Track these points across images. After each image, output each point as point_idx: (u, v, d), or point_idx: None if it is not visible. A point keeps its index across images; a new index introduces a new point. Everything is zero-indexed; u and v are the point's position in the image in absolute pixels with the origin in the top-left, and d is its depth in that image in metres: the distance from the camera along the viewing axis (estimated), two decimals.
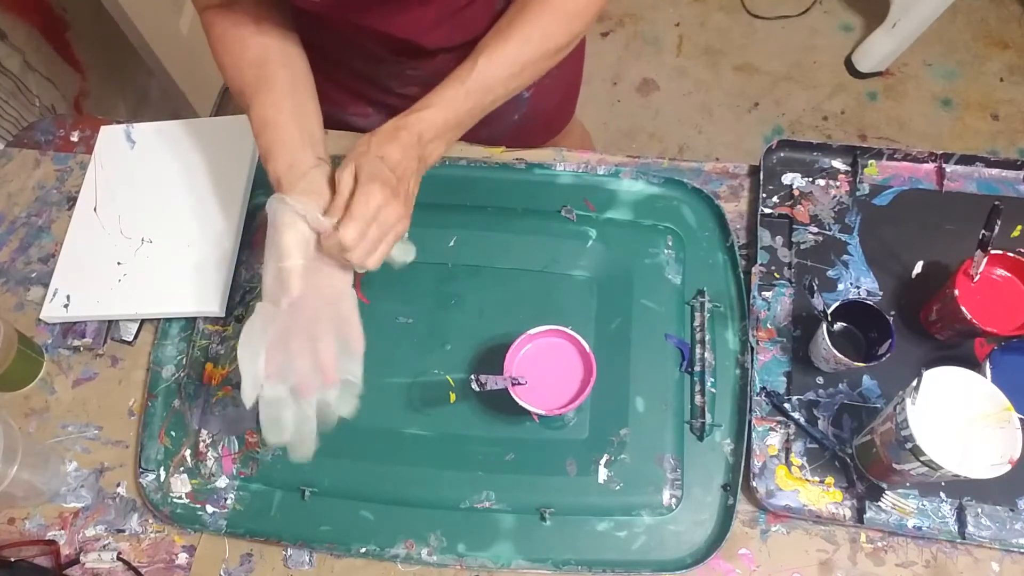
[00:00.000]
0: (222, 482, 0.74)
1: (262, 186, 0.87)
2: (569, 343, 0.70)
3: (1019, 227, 0.81)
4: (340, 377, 0.62)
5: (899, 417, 0.62)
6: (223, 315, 0.80)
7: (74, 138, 0.94)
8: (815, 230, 0.82)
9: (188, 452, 0.76)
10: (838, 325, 0.75)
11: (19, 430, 0.70)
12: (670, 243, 0.81)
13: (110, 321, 0.82)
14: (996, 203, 0.70)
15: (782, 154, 0.86)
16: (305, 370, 0.61)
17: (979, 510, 0.70)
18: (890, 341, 0.69)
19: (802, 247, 0.81)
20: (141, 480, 0.75)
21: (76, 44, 1.36)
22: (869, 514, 0.70)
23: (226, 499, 0.74)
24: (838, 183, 0.85)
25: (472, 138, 0.89)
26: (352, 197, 0.60)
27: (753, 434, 0.73)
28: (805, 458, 0.73)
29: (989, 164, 0.84)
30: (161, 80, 1.64)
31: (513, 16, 0.69)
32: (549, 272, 0.80)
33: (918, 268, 0.80)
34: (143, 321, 0.83)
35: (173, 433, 0.77)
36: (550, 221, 0.83)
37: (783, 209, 0.83)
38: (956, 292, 0.70)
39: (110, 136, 0.91)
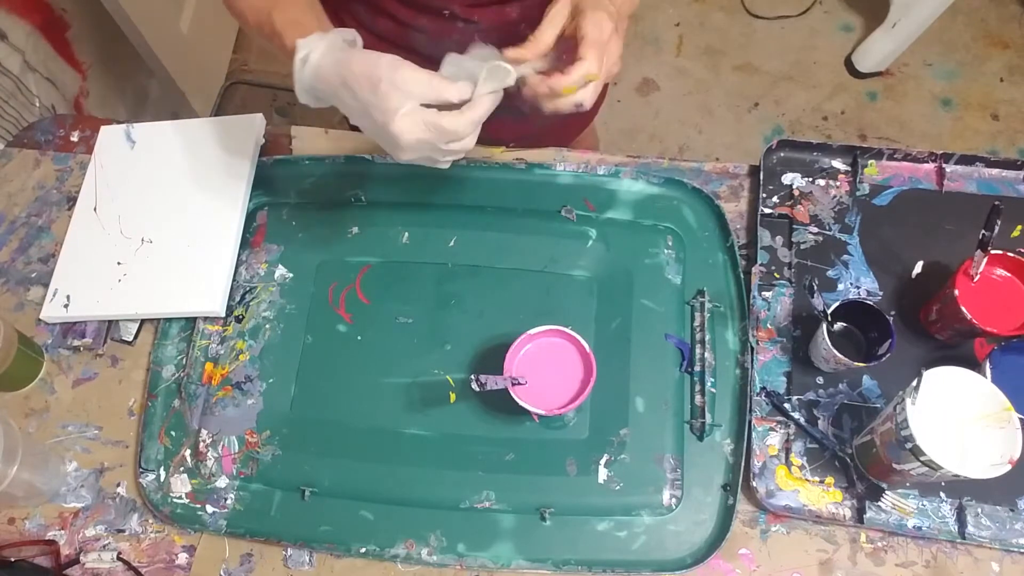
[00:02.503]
0: (222, 482, 0.74)
1: (262, 186, 0.87)
2: (569, 343, 0.70)
3: (1019, 227, 0.81)
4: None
5: (899, 417, 0.62)
6: (223, 315, 0.80)
7: (74, 138, 0.94)
8: (815, 230, 0.82)
9: (188, 452, 0.76)
10: (838, 325, 0.75)
11: (19, 430, 0.70)
12: (670, 243, 0.81)
13: (110, 321, 0.82)
14: (996, 203, 0.70)
15: (782, 154, 0.86)
16: None
17: (979, 510, 0.70)
18: (890, 341, 0.69)
19: (802, 247, 0.81)
20: (141, 480, 0.75)
21: (76, 44, 1.36)
22: (869, 514, 0.70)
23: (226, 499, 0.74)
24: (838, 183, 0.85)
25: (522, 131, 0.89)
26: (581, 25, 0.58)
27: (753, 434, 0.73)
28: (805, 458, 0.73)
29: (989, 164, 0.84)
30: (161, 80, 1.64)
31: None
32: (549, 272, 0.80)
33: (918, 268, 0.80)
34: (143, 321, 0.83)
35: (173, 433, 0.77)
36: (550, 221, 0.83)
37: (783, 209, 0.83)
38: (956, 292, 0.70)
39: (110, 136, 0.91)
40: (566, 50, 0.61)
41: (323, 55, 0.59)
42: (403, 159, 0.60)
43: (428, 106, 0.57)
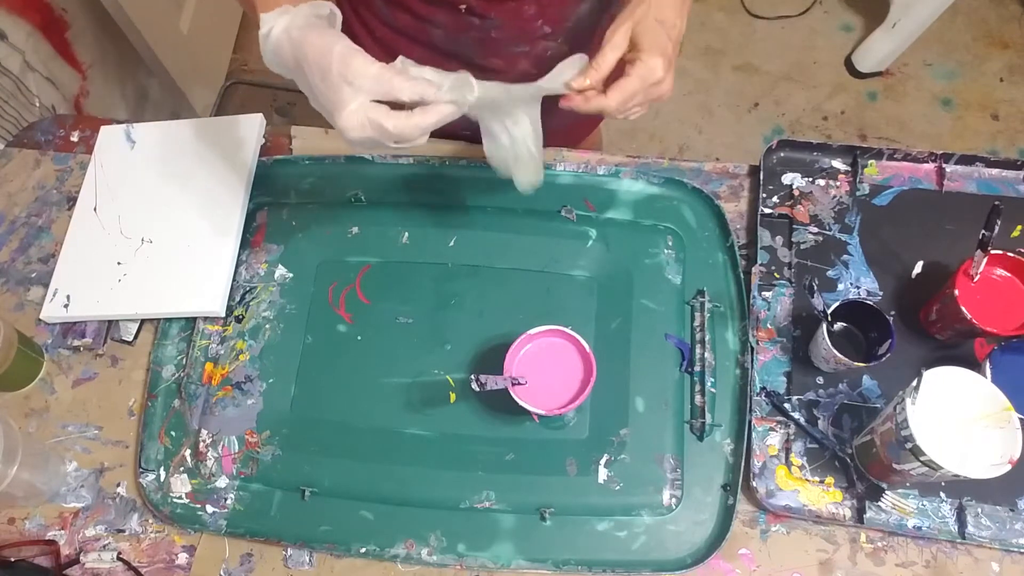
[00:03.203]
0: (222, 482, 0.74)
1: (262, 186, 0.87)
2: (569, 343, 0.70)
3: (1019, 227, 0.81)
4: None
5: (899, 417, 0.62)
6: (223, 315, 0.80)
7: (74, 138, 0.94)
8: (815, 230, 0.82)
9: (188, 452, 0.76)
10: (838, 325, 0.75)
11: (19, 430, 0.70)
12: (670, 243, 0.81)
13: (110, 321, 0.82)
14: (996, 203, 0.70)
15: (782, 154, 0.86)
16: None
17: (979, 510, 0.70)
18: (890, 341, 0.69)
19: (802, 247, 0.81)
20: (141, 480, 0.75)
21: (76, 44, 1.36)
22: (869, 514, 0.70)
23: (226, 499, 0.74)
24: (838, 183, 0.85)
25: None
26: (631, 64, 0.58)
27: (753, 434, 0.73)
28: (805, 458, 0.73)
29: (989, 164, 0.84)
30: (161, 80, 1.64)
31: None
32: (549, 272, 0.80)
33: (918, 268, 0.80)
34: (143, 321, 0.83)
35: (173, 433, 0.77)
36: (550, 221, 0.83)
37: (783, 209, 0.83)
38: (956, 292, 0.70)
39: (110, 136, 0.91)
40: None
41: (283, 31, 0.57)
42: (354, 147, 0.60)
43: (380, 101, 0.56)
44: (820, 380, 0.76)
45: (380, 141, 0.57)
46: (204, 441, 0.75)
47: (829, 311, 0.70)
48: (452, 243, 0.82)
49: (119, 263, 0.83)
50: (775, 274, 0.81)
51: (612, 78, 0.60)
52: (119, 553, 0.73)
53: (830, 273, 0.80)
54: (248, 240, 0.84)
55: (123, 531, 0.74)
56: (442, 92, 0.56)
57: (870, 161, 0.85)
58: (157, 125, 0.91)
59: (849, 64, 1.92)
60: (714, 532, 0.71)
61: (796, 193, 0.84)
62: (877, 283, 0.79)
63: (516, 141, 0.67)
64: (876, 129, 1.86)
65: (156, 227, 0.84)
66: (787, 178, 0.85)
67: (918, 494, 0.71)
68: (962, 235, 0.80)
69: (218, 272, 0.81)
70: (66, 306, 0.81)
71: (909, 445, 0.61)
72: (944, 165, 0.84)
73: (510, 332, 0.72)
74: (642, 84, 0.58)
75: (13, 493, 0.69)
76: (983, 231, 0.70)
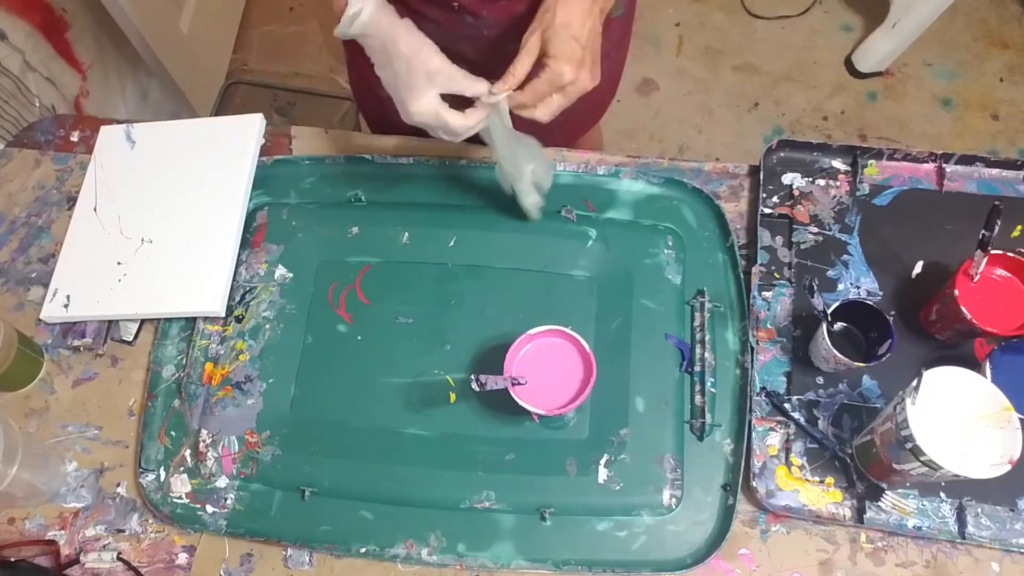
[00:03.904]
0: (222, 482, 0.74)
1: (262, 186, 0.87)
2: (569, 343, 0.70)
3: (1019, 227, 0.81)
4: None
5: (899, 417, 0.62)
6: (223, 315, 0.80)
7: (74, 138, 0.94)
8: (815, 230, 0.82)
9: (188, 452, 0.76)
10: (838, 325, 0.75)
11: (19, 430, 0.70)
12: (670, 243, 0.81)
13: (110, 321, 0.82)
14: (996, 203, 0.70)
15: (782, 154, 0.86)
16: None
17: (979, 510, 0.70)
18: (890, 341, 0.69)
19: (802, 247, 0.81)
20: (141, 480, 0.75)
21: (76, 44, 1.36)
22: (869, 514, 0.70)
23: (226, 499, 0.74)
24: (838, 183, 0.85)
25: (528, 128, 0.89)
26: (542, 69, 0.64)
27: (753, 434, 0.73)
28: (805, 458, 0.73)
29: (989, 164, 0.84)
30: (161, 80, 1.64)
31: None
32: (549, 272, 0.80)
33: (918, 268, 0.80)
34: (143, 321, 0.83)
35: (173, 433, 0.77)
36: (550, 221, 0.83)
37: (783, 209, 0.83)
38: (956, 292, 0.70)
39: (110, 136, 0.91)
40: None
41: (372, 15, 0.64)
42: (408, 123, 0.68)
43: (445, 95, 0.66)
44: (820, 380, 0.76)
45: (433, 128, 0.68)
46: (204, 441, 0.75)
47: (829, 311, 0.70)
48: (452, 243, 0.82)
49: (119, 263, 0.83)
50: (775, 274, 0.81)
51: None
52: (119, 553, 0.73)
53: (830, 273, 0.80)
54: (248, 240, 0.84)
55: (123, 531, 0.74)
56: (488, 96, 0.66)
57: (870, 161, 0.85)
58: (157, 125, 0.91)
59: (849, 64, 1.92)
60: (714, 532, 0.71)
61: (796, 193, 0.84)
62: (877, 283, 0.79)
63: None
64: (876, 129, 1.85)
65: (156, 227, 0.84)
66: (787, 178, 0.85)
67: (918, 494, 0.71)
68: (962, 235, 0.80)
69: (218, 272, 0.81)
70: (66, 306, 0.81)
71: (909, 445, 0.61)
72: (944, 165, 0.84)
73: (510, 332, 0.72)
74: (550, 87, 0.64)
75: (13, 493, 0.69)
76: (983, 231, 0.70)
